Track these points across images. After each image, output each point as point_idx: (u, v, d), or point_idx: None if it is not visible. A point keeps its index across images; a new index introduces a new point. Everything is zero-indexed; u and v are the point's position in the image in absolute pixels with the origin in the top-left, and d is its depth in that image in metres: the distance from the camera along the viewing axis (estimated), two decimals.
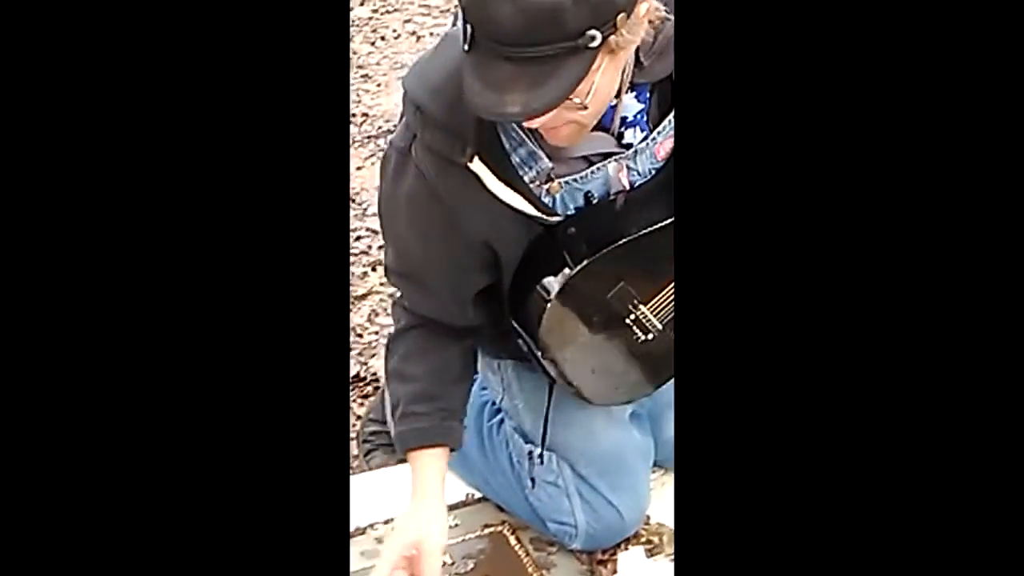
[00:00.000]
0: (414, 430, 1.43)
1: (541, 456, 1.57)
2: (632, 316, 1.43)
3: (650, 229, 1.35)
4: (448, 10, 3.03)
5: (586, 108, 1.19)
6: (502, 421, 1.65)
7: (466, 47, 1.14)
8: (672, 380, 1.54)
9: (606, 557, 1.59)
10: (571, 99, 1.15)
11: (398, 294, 1.48)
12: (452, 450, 1.46)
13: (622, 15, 1.11)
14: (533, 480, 1.59)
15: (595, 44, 1.10)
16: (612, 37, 1.12)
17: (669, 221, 1.34)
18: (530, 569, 1.58)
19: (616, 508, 1.57)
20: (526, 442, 1.60)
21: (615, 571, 1.57)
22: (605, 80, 1.18)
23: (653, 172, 1.37)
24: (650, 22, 1.16)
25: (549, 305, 1.36)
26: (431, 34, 2.89)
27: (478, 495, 1.70)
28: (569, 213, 1.35)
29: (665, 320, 1.44)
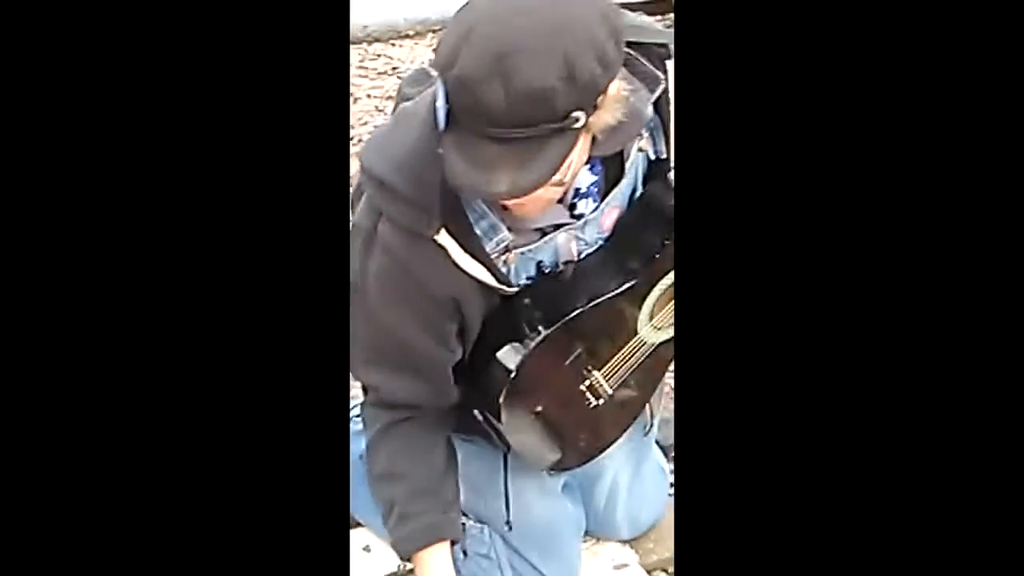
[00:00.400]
0: (419, 529, 1.42)
1: (463, 526, 1.55)
2: (587, 382, 1.45)
3: (599, 300, 1.36)
4: (385, 72, 3.05)
5: (563, 184, 1.21)
6: None
7: (443, 126, 1.14)
8: (607, 449, 1.56)
9: None
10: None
11: (370, 392, 1.45)
12: (453, 543, 1.44)
13: (602, 95, 1.14)
14: (465, 552, 1.57)
15: (579, 124, 1.12)
16: (592, 117, 1.14)
17: (617, 292, 1.37)
18: None
19: None
20: None
21: None
22: (580, 156, 1.20)
23: (598, 243, 1.39)
24: (617, 100, 1.18)
25: (511, 377, 1.37)
26: (368, 96, 2.90)
27: (410, 566, 1.67)
28: (523, 282, 1.37)
29: (616, 385, 1.47)
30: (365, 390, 1.48)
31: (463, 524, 1.56)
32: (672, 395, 1.85)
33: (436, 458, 1.46)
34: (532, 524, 1.57)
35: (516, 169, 1.12)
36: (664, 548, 1.72)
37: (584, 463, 1.57)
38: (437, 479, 1.45)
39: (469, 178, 1.14)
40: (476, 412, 1.47)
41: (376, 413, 1.44)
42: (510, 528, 1.57)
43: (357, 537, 1.63)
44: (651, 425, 1.67)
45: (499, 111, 1.10)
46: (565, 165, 1.16)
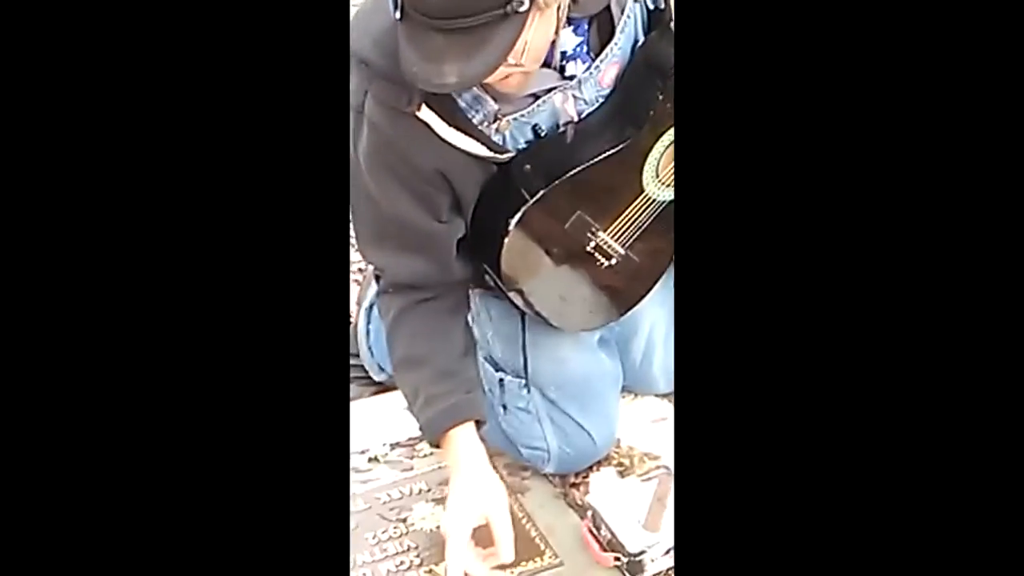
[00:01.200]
0: (442, 411, 1.43)
1: (502, 382, 1.60)
2: (592, 244, 1.44)
3: (602, 157, 1.35)
4: None
5: (521, 66, 1.20)
6: None
7: (398, 15, 1.14)
8: (638, 304, 1.57)
9: (578, 480, 1.62)
10: (507, 61, 1.15)
11: (381, 279, 1.46)
12: (479, 424, 1.45)
13: None
14: (505, 407, 1.61)
15: (524, 8, 1.11)
16: None
17: (620, 147, 1.35)
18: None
19: (587, 432, 1.60)
20: (496, 370, 1.62)
21: (587, 493, 1.59)
22: (538, 35, 1.19)
23: (599, 100, 1.37)
24: None
25: (507, 239, 1.37)
26: None
27: None
28: (520, 148, 1.36)
29: (627, 244, 1.46)
30: (378, 279, 1.50)
31: (501, 379, 1.60)
32: None
33: (455, 340, 1.46)
34: (569, 378, 1.60)
35: (462, 59, 1.12)
36: None
37: (614, 320, 1.59)
38: (458, 360, 1.45)
39: (420, 69, 1.14)
40: (488, 279, 1.49)
41: (389, 300, 1.45)
42: (528, 390, 1.60)
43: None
44: None
45: (438, 2, 1.09)
46: (519, 47, 1.15)
